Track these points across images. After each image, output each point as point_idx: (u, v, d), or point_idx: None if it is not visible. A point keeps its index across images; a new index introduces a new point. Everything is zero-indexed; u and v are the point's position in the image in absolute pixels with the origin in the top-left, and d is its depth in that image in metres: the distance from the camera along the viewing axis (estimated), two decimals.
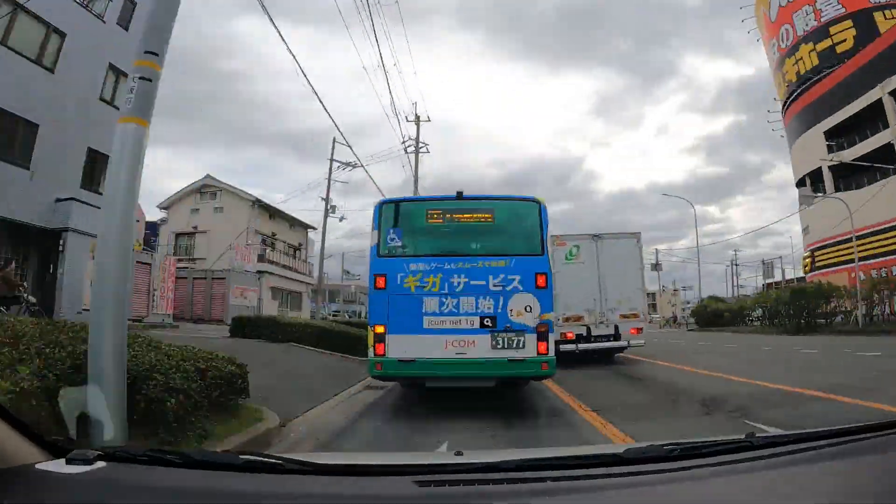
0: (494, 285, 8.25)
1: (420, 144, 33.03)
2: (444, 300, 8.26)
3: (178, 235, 39.81)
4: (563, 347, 12.81)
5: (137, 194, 4.52)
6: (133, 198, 4.42)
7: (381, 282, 8.42)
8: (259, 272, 36.88)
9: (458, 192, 8.85)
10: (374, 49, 72.02)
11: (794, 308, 32.25)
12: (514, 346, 8.10)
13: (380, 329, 8.25)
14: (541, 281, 8.30)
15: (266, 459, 1.72)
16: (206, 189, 40.99)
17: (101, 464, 1.56)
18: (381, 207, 8.90)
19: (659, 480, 1.59)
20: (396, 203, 9.37)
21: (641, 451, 1.82)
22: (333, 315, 44.15)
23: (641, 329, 15.55)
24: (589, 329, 15.18)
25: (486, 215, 8.99)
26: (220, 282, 33.28)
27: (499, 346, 8.08)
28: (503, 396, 8.86)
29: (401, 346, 8.11)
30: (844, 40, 41.50)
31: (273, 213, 42.90)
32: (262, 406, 6.98)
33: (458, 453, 2.06)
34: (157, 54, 4.62)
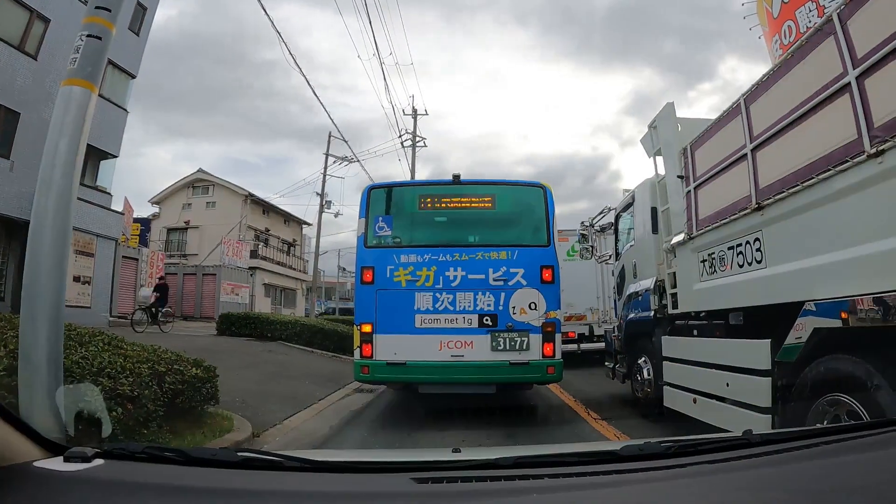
0: (495, 280, 7.53)
1: (418, 138, 32.11)
2: (439, 296, 7.51)
3: (169, 231, 38.82)
4: (565, 348, 9.41)
5: (79, 169, 3.88)
6: (73, 172, 3.79)
7: (368, 275, 7.62)
8: (252, 268, 36.13)
9: (454, 176, 8.04)
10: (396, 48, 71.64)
11: None
12: (517, 347, 7.37)
13: (367, 328, 7.48)
14: (546, 275, 7.58)
15: (264, 456, 1.73)
16: (199, 183, 40.00)
17: (98, 461, 1.56)
18: (369, 192, 8.14)
19: (656, 478, 1.60)
20: (387, 188, 8.44)
21: (638, 449, 1.82)
22: (324, 313, 42.92)
23: None
24: (591, 328, 14.80)
25: (486, 202, 8.16)
26: (211, 278, 32.06)
27: (500, 348, 7.38)
28: (505, 399, 8.13)
29: (390, 348, 7.36)
30: None
31: (267, 208, 42.12)
32: (236, 413, 6.60)
33: (456, 450, 2.07)
34: (109, 10, 4.11)
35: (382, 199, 8.16)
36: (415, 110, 32.33)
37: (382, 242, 7.84)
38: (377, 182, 10.93)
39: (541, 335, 7.38)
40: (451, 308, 7.47)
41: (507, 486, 1.56)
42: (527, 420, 7.75)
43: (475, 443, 5.83)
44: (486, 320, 7.41)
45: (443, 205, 8.13)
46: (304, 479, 1.61)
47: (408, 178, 27.57)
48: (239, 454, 1.70)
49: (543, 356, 7.33)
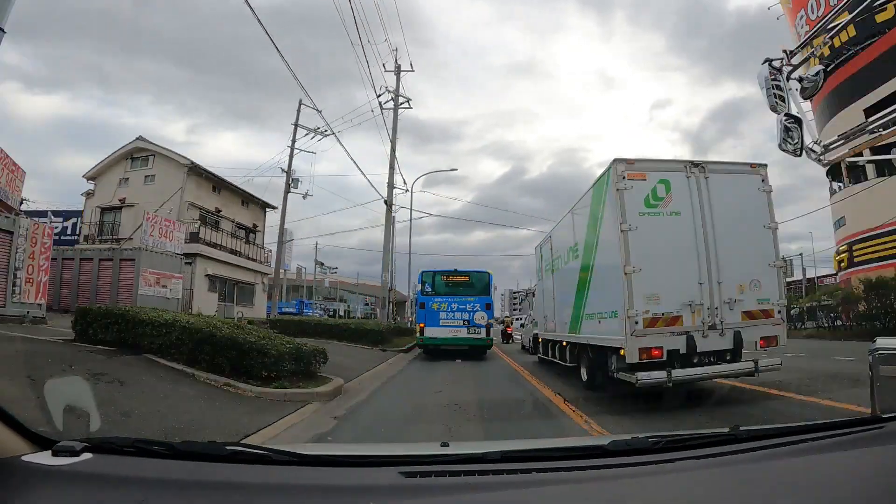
0: (469, 308, 20.33)
1: (402, 99, 29.75)
2: (447, 313, 20.29)
3: (103, 210, 32.28)
4: (646, 378, 7.91)
5: None
6: None
7: (422, 305, 20.73)
8: (189, 255, 28.52)
9: (454, 269, 21.89)
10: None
11: (877, 306, 27.61)
12: (476, 333, 20.19)
13: (422, 325, 20.51)
14: (487, 306, 20.55)
15: (252, 450, 1.73)
16: (138, 154, 33.33)
17: (87, 455, 1.56)
18: (422, 274, 21.93)
19: (643, 472, 1.61)
20: (429, 272, 21.60)
21: (626, 443, 1.85)
22: (282, 315, 36.18)
23: (777, 338, 8.59)
24: (691, 339, 8.14)
25: (466, 278, 21.36)
26: (129, 264, 24.29)
27: (469, 333, 20.21)
28: (471, 352, 20.07)
29: (429, 332, 20.25)
30: (885, 8, 35.99)
31: (218, 184, 35.15)
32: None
33: (444, 444, 2.07)
34: None
35: (428, 275, 21.49)
36: (398, 66, 29.47)
37: (426, 291, 21.05)
38: (426, 269, 22.52)
39: (485, 328, 20.22)
40: (452, 318, 20.31)
41: (494, 480, 1.58)
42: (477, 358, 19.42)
43: (462, 368, 9.87)
44: (465, 322, 20.22)
45: (449, 279, 21.32)
46: (292, 472, 1.62)
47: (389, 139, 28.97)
48: (227, 448, 1.70)
49: (486, 335, 20.31)
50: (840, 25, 13.29)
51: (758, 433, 1.96)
